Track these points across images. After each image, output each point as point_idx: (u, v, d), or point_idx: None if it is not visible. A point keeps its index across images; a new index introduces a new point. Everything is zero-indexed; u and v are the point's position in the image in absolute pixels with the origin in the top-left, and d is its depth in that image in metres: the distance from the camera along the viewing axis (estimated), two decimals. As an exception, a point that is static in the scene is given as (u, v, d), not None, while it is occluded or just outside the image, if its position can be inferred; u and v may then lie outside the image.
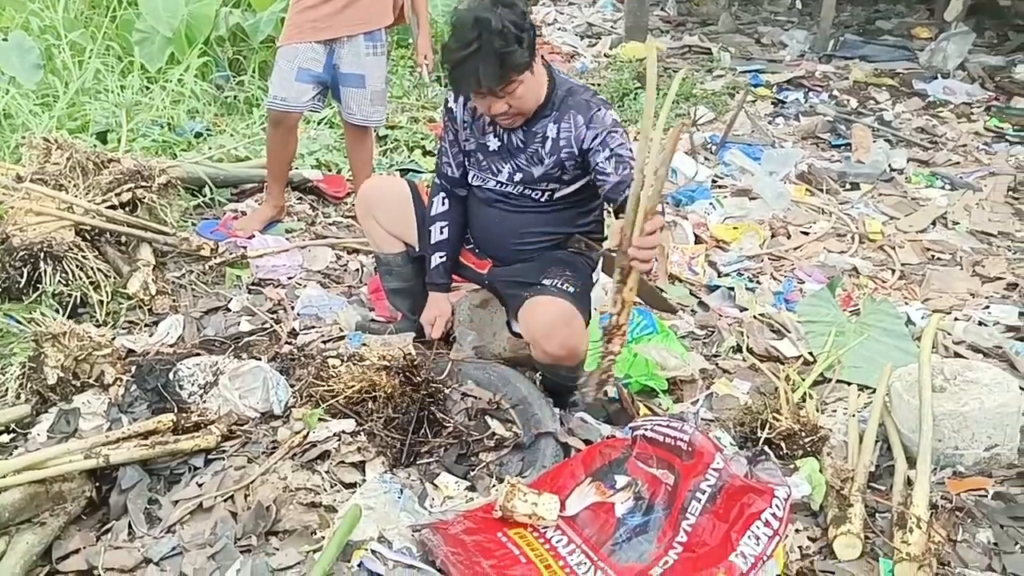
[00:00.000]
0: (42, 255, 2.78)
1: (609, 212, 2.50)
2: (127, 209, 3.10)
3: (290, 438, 2.19)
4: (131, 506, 2.00)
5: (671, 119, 5.44)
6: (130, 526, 1.97)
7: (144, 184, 3.14)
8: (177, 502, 2.02)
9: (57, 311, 2.75)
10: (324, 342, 2.80)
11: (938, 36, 7.05)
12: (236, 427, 2.25)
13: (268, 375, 2.31)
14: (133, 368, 2.41)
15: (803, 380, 2.62)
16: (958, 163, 4.96)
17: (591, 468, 2.09)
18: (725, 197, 4.31)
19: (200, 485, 2.06)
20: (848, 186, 4.60)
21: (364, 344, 2.62)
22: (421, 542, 1.90)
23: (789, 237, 3.97)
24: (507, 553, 1.88)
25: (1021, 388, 2.46)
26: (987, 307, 3.33)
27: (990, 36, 7.53)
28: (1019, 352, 2.90)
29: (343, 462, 2.14)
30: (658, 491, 1.99)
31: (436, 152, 2.69)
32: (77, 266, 2.83)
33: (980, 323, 3.20)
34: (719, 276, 3.53)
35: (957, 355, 2.95)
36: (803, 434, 2.31)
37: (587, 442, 2.30)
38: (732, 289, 3.38)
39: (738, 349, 2.99)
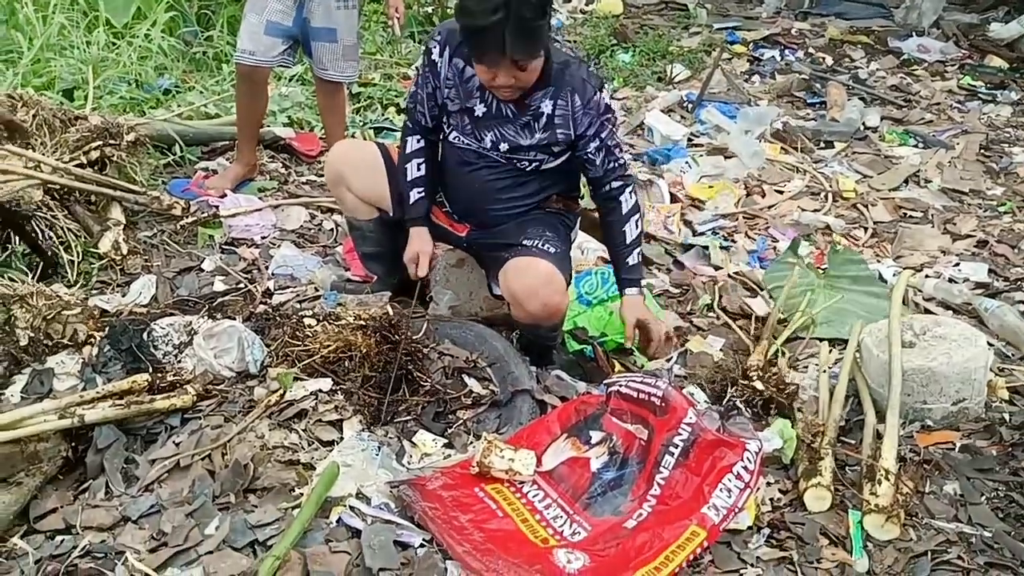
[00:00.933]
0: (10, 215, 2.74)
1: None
2: (96, 168, 3.05)
3: (267, 397, 2.19)
4: (108, 465, 2.00)
5: (647, 77, 5.44)
6: (107, 485, 1.97)
7: (112, 142, 3.08)
8: (154, 461, 2.02)
9: (27, 273, 2.71)
10: (299, 302, 2.78)
11: (914, -6, 7.04)
12: (212, 386, 2.24)
13: (243, 334, 2.30)
14: (106, 328, 2.39)
15: (775, 338, 2.65)
16: (931, 121, 4.99)
17: (567, 424, 2.12)
18: (701, 156, 4.31)
19: (177, 444, 2.06)
20: (822, 144, 4.61)
21: (340, 304, 2.61)
22: (399, 498, 1.93)
23: (764, 196, 3.98)
24: (484, 507, 1.91)
25: (989, 344, 2.52)
26: (957, 264, 3.37)
27: (965, -7, 7.52)
28: (987, 308, 2.95)
29: (320, 420, 2.14)
30: (632, 446, 2.03)
31: (408, 97, 2.62)
32: (47, 225, 2.79)
33: (950, 280, 3.25)
34: (694, 235, 3.54)
35: (927, 311, 3.00)
36: (772, 394, 2.35)
37: (563, 399, 2.32)
38: (707, 248, 3.40)
39: (711, 307, 3.02)
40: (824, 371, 2.46)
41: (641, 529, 1.85)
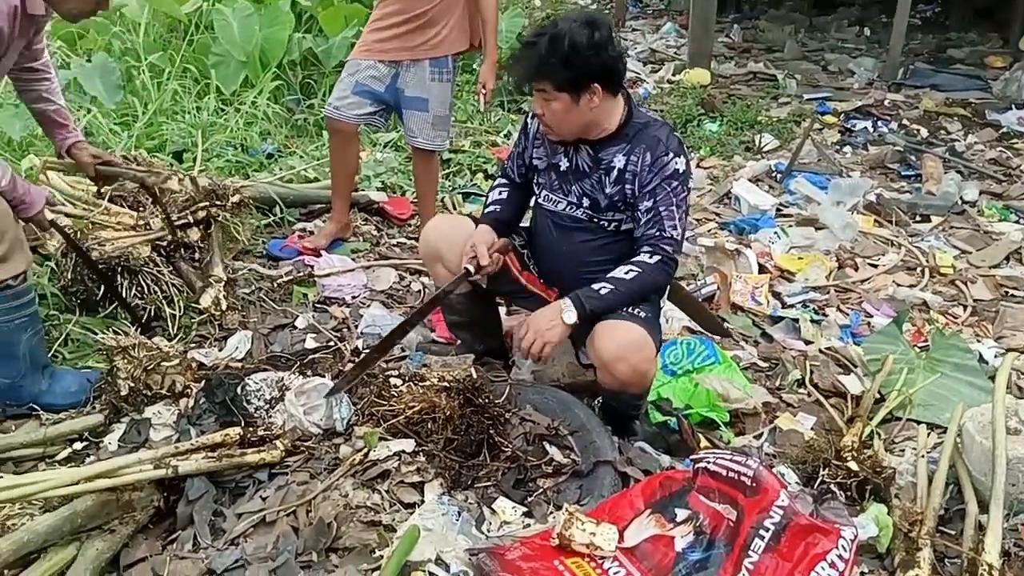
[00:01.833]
0: (119, 269, 2.88)
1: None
2: (201, 226, 3.19)
3: (351, 456, 2.21)
4: (197, 517, 2.05)
5: (734, 147, 5.42)
6: (195, 537, 2.01)
7: (218, 203, 3.23)
8: (241, 515, 2.05)
9: (131, 325, 2.84)
10: (386, 361, 2.82)
11: (1012, 66, 6.87)
12: (300, 442, 2.28)
13: (333, 393, 2.34)
14: (203, 381, 2.48)
15: (870, 419, 2.56)
16: (1034, 197, 4.82)
17: (651, 499, 2.07)
18: (790, 226, 4.25)
19: (264, 499, 2.09)
20: (918, 218, 4.50)
21: (425, 364, 2.63)
22: (478, 566, 1.90)
23: (857, 269, 3.89)
24: (564, 582, 1.87)
25: (1101, 433, 2.36)
26: (1063, 347, 3.21)
27: (1068, 66, 7.29)
28: (1098, 395, 2.79)
29: (403, 482, 2.15)
30: (720, 526, 1.96)
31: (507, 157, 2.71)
32: (152, 280, 2.93)
33: (1056, 364, 3.09)
34: (783, 307, 3.47)
35: (1032, 396, 2.85)
36: (868, 476, 2.25)
37: (646, 472, 2.27)
38: (797, 321, 3.32)
39: (802, 383, 2.93)
40: (922, 456, 2.35)
41: (728, 614, 1.78)
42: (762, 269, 3.75)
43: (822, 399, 2.79)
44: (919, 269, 3.90)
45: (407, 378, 2.51)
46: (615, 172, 2.34)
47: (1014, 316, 3.48)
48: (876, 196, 4.63)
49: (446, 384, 2.35)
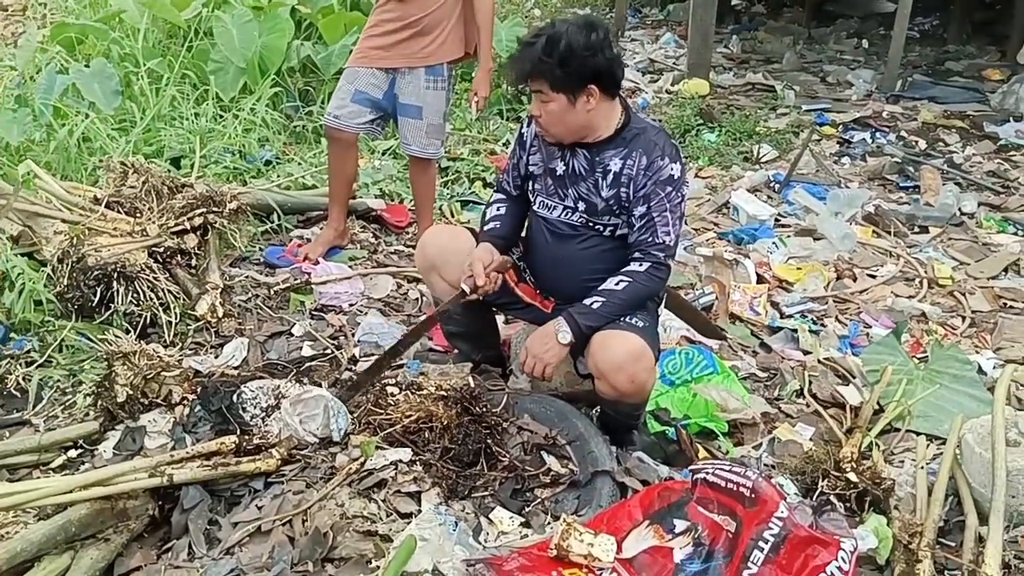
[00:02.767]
0: (115, 275, 2.87)
1: None
2: (198, 233, 3.18)
3: (348, 465, 2.20)
4: (192, 526, 2.03)
5: (733, 157, 5.43)
6: (190, 546, 2.00)
7: (215, 209, 3.22)
8: (236, 524, 2.04)
9: (127, 331, 2.83)
10: (382, 369, 2.82)
11: (1010, 78, 6.89)
12: (296, 451, 2.27)
13: (330, 403, 2.32)
14: (199, 389, 2.46)
15: (869, 430, 2.55)
16: (1032, 208, 4.82)
17: (649, 510, 2.06)
18: (788, 236, 4.25)
19: (259, 508, 2.08)
20: (916, 229, 4.50)
21: (422, 373, 2.63)
22: (475, 577, 1.89)
23: (855, 280, 3.88)
24: (562, 593, 1.85)
25: (1101, 446, 2.36)
26: (1062, 359, 3.20)
27: (1066, 79, 7.32)
28: (1098, 407, 2.78)
29: (399, 491, 2.14)
30: (719, 538, 1.95)
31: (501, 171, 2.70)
32: (148, 287, 2.91)
33: (1055, 376, 3.08)
34: (782, 317, 3.46)
35: (1031, 408, 2.85)
36: (867, 487, 2.24)
37: (644, 483, 2.26)
38: (795, 331, 3.31)
39: (801, 393, 2.92)
40: (922, 467, 2.34)
41: (726, 626, 1.77)
42: (760, 279, 3.75)
43: (821, 410, 2.78)
44: (917, 280, 3.90)
45: (404, 387, 2.50)
46: (611, 175, 2.34)
47: (1012, 328, 3.47)
48: (874, 207, 4.64)
49: (443, 393, 2.35)
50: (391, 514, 2.08)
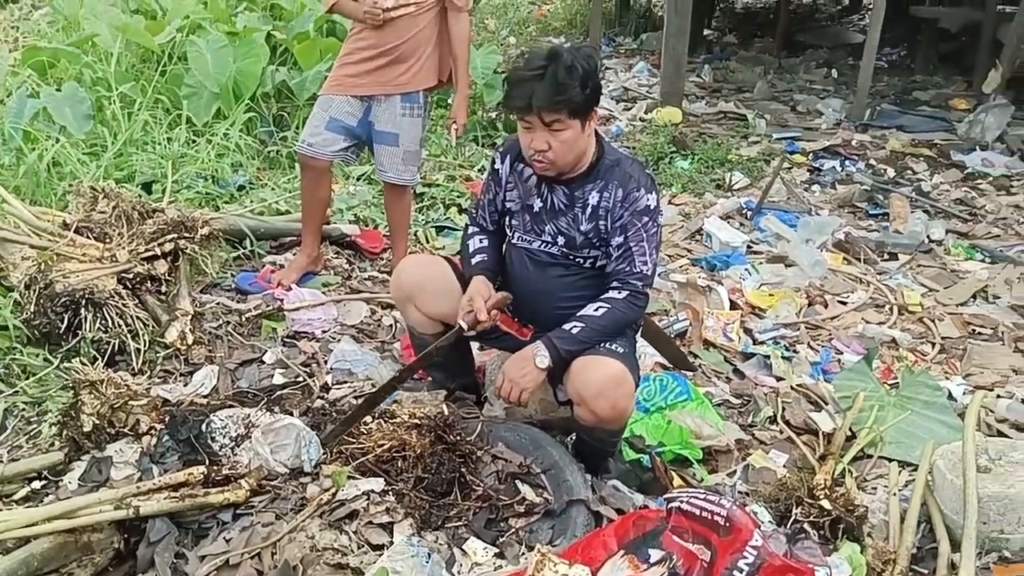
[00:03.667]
0: (83, 302, 2.83)
1: None
2: (169, 259, 3.14)
3: (319, 495, 2.17)
4: (158, 559, 1.99)
5: (705, 184, 5.49)
6: (156, 580, 1.96)
7: (187, 235, 3.19)
8: (204, 557, 2.00)
9: (94, 358, 2.78)
10: (356, 397, 2.79)
11: (976, 108, 7.04)
12: (265, 482, 2.23)
13: (302, 432, 2.30)
14: (167, 418, 2.42)
15: (842, 456, 2.56)
16: (998, 236, 4.90)
17: (624, 540, 2.04)
18: (761, 263, 4.29)
19: (228, 541, 2.04)
20: (886, 256, 4.56)
21: (396, 401, 2.60)
22: (448, 610, 1.86)
23: (826, 306, 3.92)
24: (536, 625, 1.83)
25: (1070, 471, 2.38)
26: (1031, 385, 3.25)
27: (1029, 109, 7.50)
28: (1066, 433, 2.82)
29: (371, 522, 2.11)
30: (694, 567, 1.94)
31: (472, 205, 2.67)
32: (117, 314, 2.87)
33: (1023, 401, 3.12)
34: (755, 343, 3.48)
35: (1000, 433, 2.88)
36: (840, 515, 2.24)
37: (619, 511, 2.25)
38: (768, 357, 3.33)
39: (774, 419, 2.93)
40: (894, 494, 2.35)
41: (701, 658, 1.75)
42: (733, 305, 3.77)
43: (794, 436, 2.79)
44: (887, 307, 3.94)
45: (377, 415, 2.47)
46: (589, 208, 2.34)
47: (981, 354, 3.52)
48: (844, 234, 4.69)
49: (417, 421, 2.33)
50: (363, 546, 2.05)
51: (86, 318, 2.82)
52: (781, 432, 2.87)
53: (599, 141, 2.37)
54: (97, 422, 2.35)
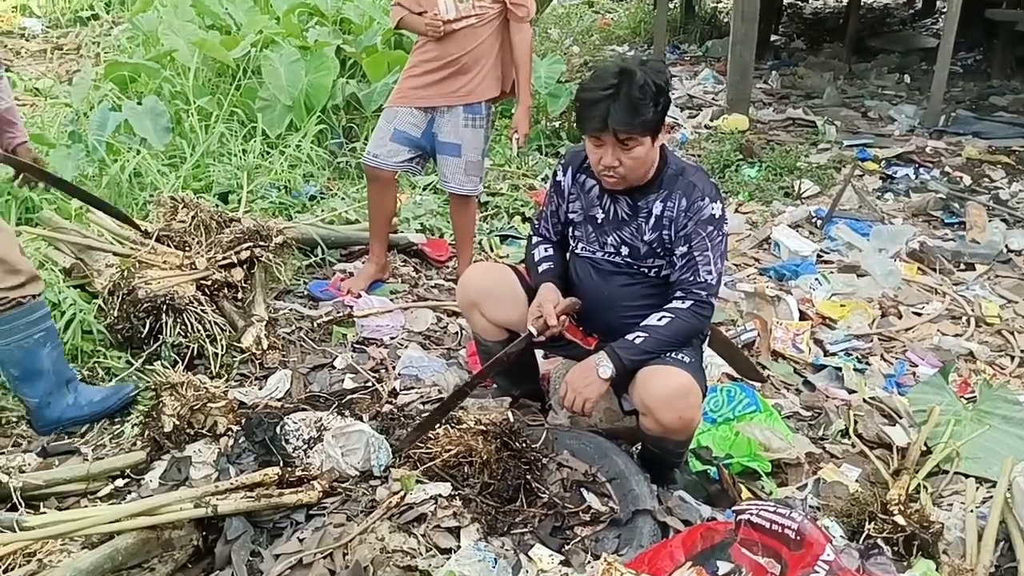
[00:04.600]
0: (164, 307, 2.94)
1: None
2: (245, 266, 3.24)
3: (388, 498, 2.21)
4: (235, 557, 2.05)
5: (773, 192, 5.41)
6: (233, 577, 2.02)
7: (262, 243, 3.29)
8: (279, 556, 2.05)
9: (175, 362, 2.89)
10: (423, 403, 2.83)
11: (1058, 113, 6.79)
12: (337, 484, 2.29)
13: (371, 438, 2.34)
14: (243, 420, 2.50)
15: (917, 471, 2.49)
16: (1082, 246, 4.71)
17: (692, 551, 2.03)
18: (831, 273, 4.21)
19: (301, 540, 2.09)
20: (963, 266, 4.42)
21: (462, 407, 2.64)
22: (515, 615, 1.88)
23: (900, 317, 3.82)
24: (603, 633, 1.83)
25: None
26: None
27: (1114, 114, 7.20)
28: None
29: (439, 526, 2.14)
30: (763, 580, 1.92)
31: (536, 216, 2.68)
32: (196, 319, 2.97)
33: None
34: (825, 355, 3.42)
35: (1086, 451, 2.77)
36: (915, 531, 2.19)
37: (686, 523, 2.24)
38: (839, 369, 3.26)
39: (846, 433, 2.87)
40: (972, 511, 2.29)
41: (770, 672, 1.73)
42: (803, 316, 3.71)
43: (867, 450, 2.73)
44: (964, 318, 3.83)
45: (444, 421, 2.51)
46: (653, 219, 2.34)
47: (1064, 368, 3.39)
48: (919, 244, 4.57)
49: (483, 427, 2.35)
50: (431, 549, 2.08)
51: (166, 323, 2.93)
52: (853, 446, 2.81)
53: (662, 150, 2.36)
54: (177, 423, 2.44)
